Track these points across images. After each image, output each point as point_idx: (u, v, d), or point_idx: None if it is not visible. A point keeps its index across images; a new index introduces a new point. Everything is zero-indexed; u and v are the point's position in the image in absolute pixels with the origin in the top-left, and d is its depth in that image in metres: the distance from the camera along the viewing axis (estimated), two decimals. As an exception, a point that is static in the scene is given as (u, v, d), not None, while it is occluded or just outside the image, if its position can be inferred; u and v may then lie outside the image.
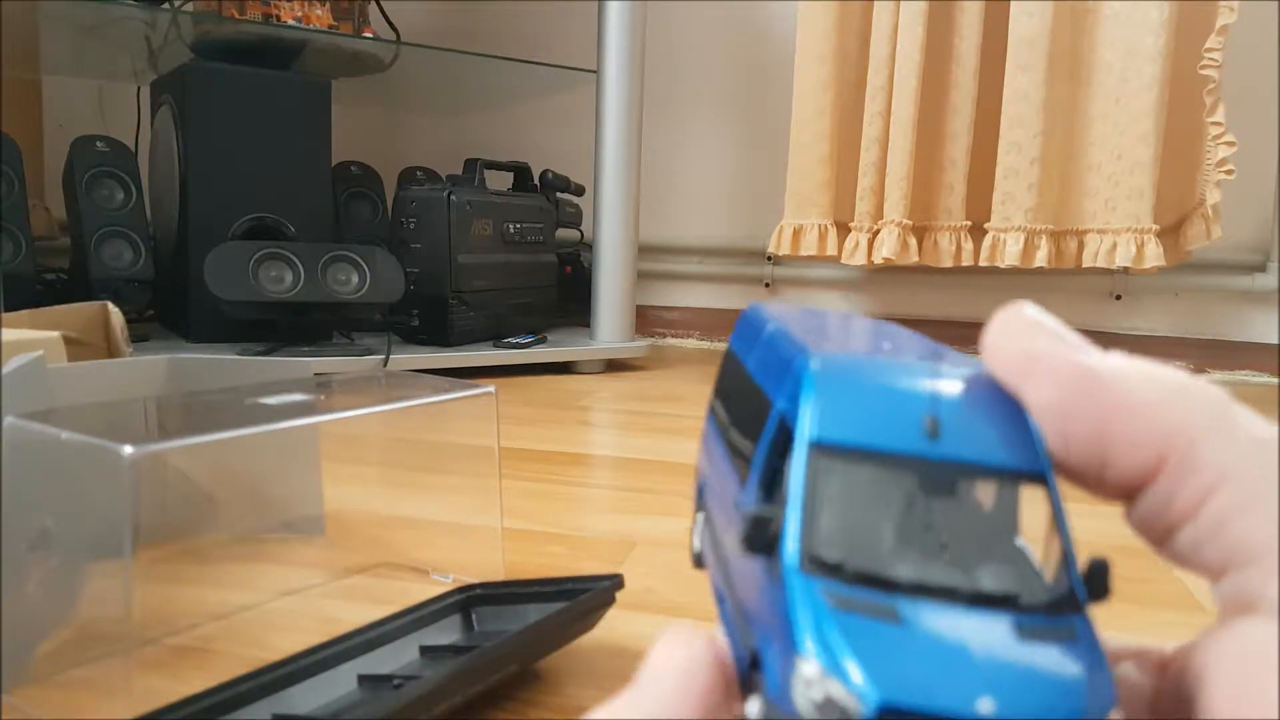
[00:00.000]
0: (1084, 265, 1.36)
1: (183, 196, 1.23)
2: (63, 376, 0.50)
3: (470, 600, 0.46)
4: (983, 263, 1.39)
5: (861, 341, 0.21)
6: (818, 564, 0.15)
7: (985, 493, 0.17)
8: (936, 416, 0.17)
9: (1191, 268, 1.47)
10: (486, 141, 1.75)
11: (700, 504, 0.25)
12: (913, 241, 1.42)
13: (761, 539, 0.16)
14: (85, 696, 0.42)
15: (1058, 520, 0.17)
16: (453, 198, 1.28)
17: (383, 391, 0.51)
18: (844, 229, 1.50)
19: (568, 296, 1.56)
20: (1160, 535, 0.17)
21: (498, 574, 0.53)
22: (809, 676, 0.14)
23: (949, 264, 1.43)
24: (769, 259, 1.72)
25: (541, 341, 1.38)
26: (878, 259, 1.42)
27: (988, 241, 1.38)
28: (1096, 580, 0.16)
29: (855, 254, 1.45)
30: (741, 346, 0.23)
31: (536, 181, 1.50)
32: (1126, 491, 0.17)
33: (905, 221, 1.41)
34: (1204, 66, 1.24)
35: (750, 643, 0.17)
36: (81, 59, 1.50)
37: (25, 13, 1.22)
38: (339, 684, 0.41)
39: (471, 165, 1.38)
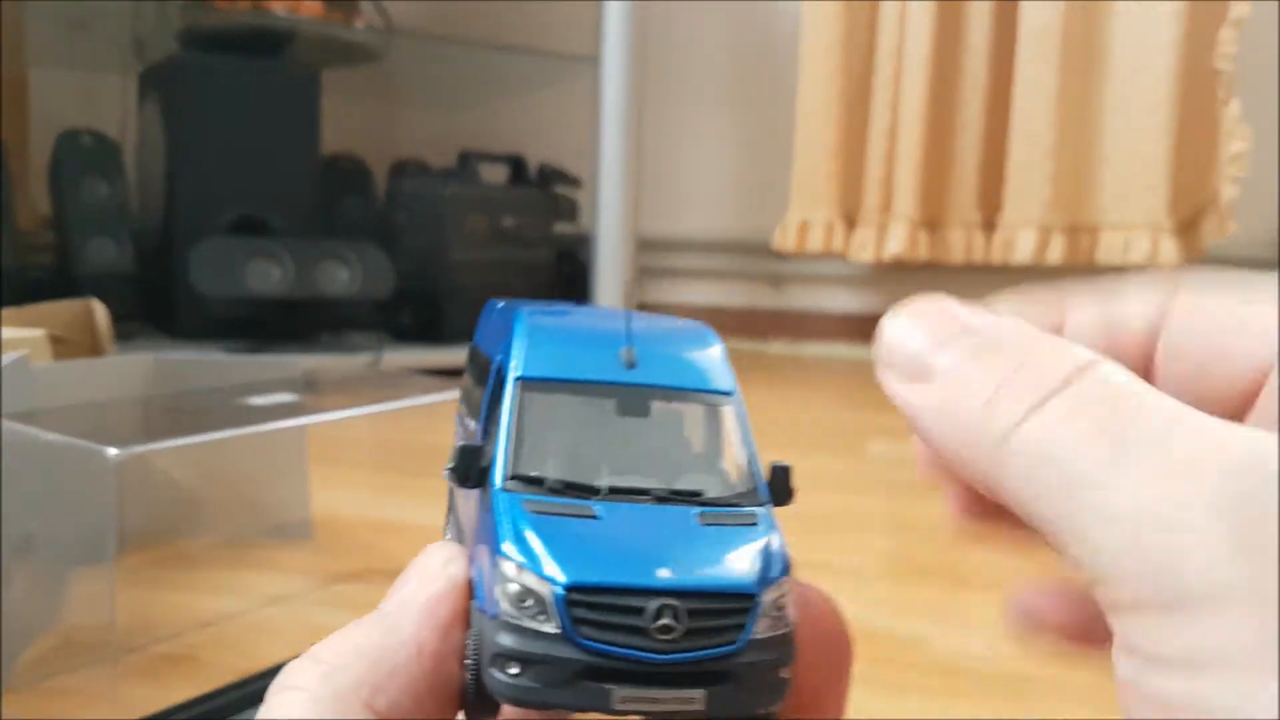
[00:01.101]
0: (1097, 262, 1.35)
1: (169, 191, 1.22)
2: (47, 376, 0.50)
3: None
4: (995, 260, 1.38)
5: (585, 314, 0.23)
6: (521, 480, 0.17)
7: (686, 413, 0.19)
8: (633, 349, 0.19)
9: (1206, 264, 1.46)
10: (481, 133, 1.74)
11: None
12: (922, 237, 1.41)
13: (471, 470, 0.17)
14: (69, 704, 0.42)
15: (743, 432, 0.19)
16: (446, 192, 1.27)
17: (373, 391, 0.50)
18: (851, 224, 1.49)
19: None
20: None
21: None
22: (507, 573, 0.15)
23: (960, 260, 1.42)
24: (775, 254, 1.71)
25: (536, 338, 1.37)
26: (886, 255, 1.42)
27: (1000, 237, 1.37)
28: (779, 484, 0.18)
29: (863, 250, 1.44)
30: (479, 335, 0.25)
31: (533, 174, 1.49)
32: None
33: (915, 216, 1.40)
34: (1217, 59, 1.23)
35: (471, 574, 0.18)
36: (68, 51, 1.48)
37: (11, 5, 1.20)
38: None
39: (465, 158, 1.37)
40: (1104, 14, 1.33)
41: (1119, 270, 1.41)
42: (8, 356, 0.45)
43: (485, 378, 0.21)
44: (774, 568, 0.16)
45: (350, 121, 1.69)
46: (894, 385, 0.16)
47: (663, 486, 0.17)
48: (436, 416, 0.50)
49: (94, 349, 0.63)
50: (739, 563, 0.16)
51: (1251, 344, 0.16)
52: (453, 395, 0.51)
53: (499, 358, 0.19)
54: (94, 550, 0.42)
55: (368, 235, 1.45)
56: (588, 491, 0.17)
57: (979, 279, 1.57)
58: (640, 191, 1.43)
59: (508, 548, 0.16)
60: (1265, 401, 0.15)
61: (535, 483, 0.17)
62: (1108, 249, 1.34)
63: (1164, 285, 0.17)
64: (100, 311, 0.64)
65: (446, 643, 0.16)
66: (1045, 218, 1.34)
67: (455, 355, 1.26)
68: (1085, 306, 0.18)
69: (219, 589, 0.53)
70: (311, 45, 1.34)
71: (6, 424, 0.41)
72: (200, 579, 0.53)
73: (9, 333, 0.52)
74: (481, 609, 0.16)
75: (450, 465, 0.18)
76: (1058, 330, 0.18)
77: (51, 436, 0.40)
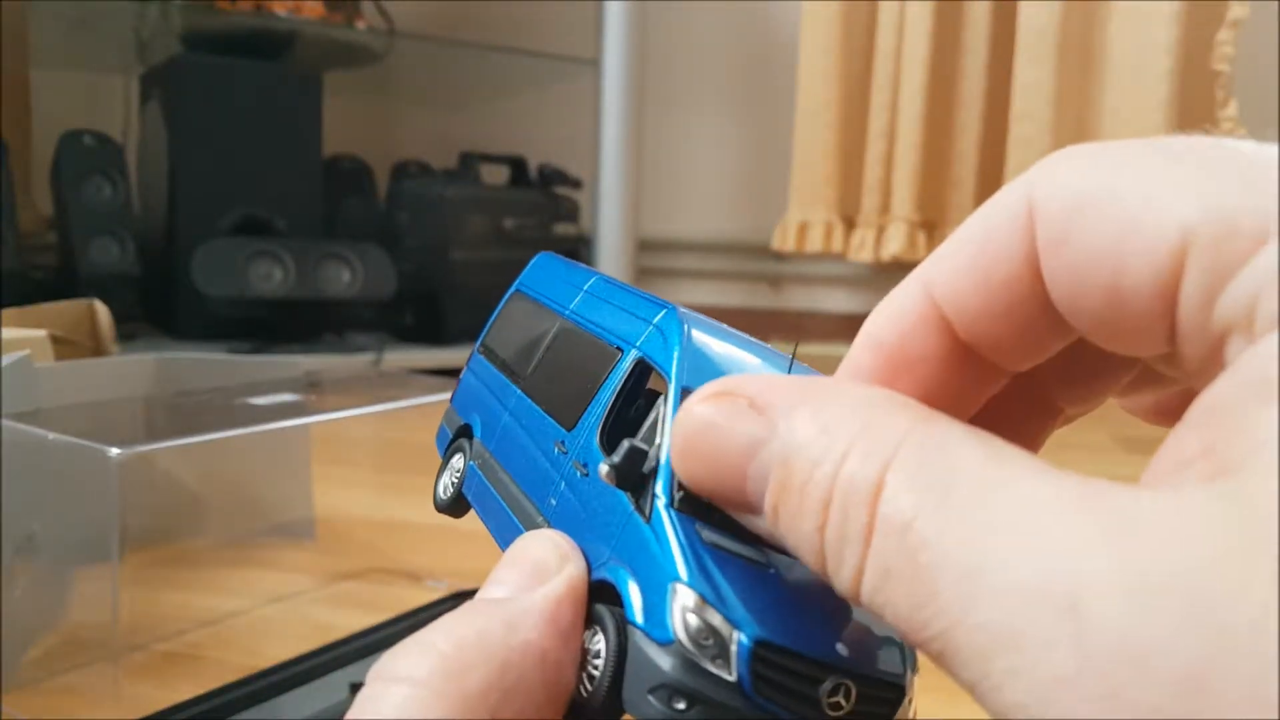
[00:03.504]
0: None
1: (171, 192, 1.22)
2: (49, 376, 0.50)
3: (464, 605, 0.46)
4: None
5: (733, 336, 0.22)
6: (694, 505, 0.16)
7: None
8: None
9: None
10: (482, 134, 1.74)
11: (457, 448, 0.25)
12: (921, 237, 1.41)
13: (634, 472, 0.17)
14: (73, 703, 0.42)
15: None
16: (447, 193, 1.27)
17: (375, 391, 0.50)
18: (850, 224, 1.49)
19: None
20: None
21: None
22: (688, 603, 0.15)
23: (957, 261, 1.42)
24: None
25: (536, 338, 1.38)
26: (885, 256, 1.42)
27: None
28: None
29: (862, 250, 1.44)
30: (546, 292, 0.24)
31: (534, 175, 1.49)
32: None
33: (913, 217, 1.40)
34: (1215, 60, 1.23)
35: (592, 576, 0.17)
36: (70, 52, 1.49)
37: (13, 5, 1.20)
38: (331, 692, 0.40)
39: (467, 159, 1.37)
40: (1102, 15, 1.33)
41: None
42: (10, 357, 0.45)
43: (573, 348, 0.20)
44: (910, 657, 0.16)
45: (352, 122, 1.70)
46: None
47: None
48: (438, 416, 0.50)
49: (96, 349, 0.63)
50: (893, 648, 0.16)
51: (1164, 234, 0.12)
52: (450, 395, 0.51)
53: (644, 348, 0.18)
54: (96, 549, 0.42)
55: (369, 236, 1.45)
56: (746, 535, 0.16)
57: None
58: (640, 192, 1.44)
59: (687, 576, 0.15)
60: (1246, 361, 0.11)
61: (704, 510, 0.16)
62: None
63: (1016, 207, 0.14)
64: (102, 312, 0.64)
65: (567, 650, 0.15)
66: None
67: (456, 355, 1.26)
68: (950, 278, 0.15)
69: (221, 588, 0.53)
70: (313, 47, 1.34)
71: (9, 424, 0.41)
72: (202, 578, 0.54)
73: (11, 333, 0.52)
74: (641, 627, 0.15)
75: (614, 460, 0.17)
76: (939, 320, 0.15)
77: (54, 436, 0.40)
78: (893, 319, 0.16)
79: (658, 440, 0.17)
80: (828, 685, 0.15)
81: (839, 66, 1.44)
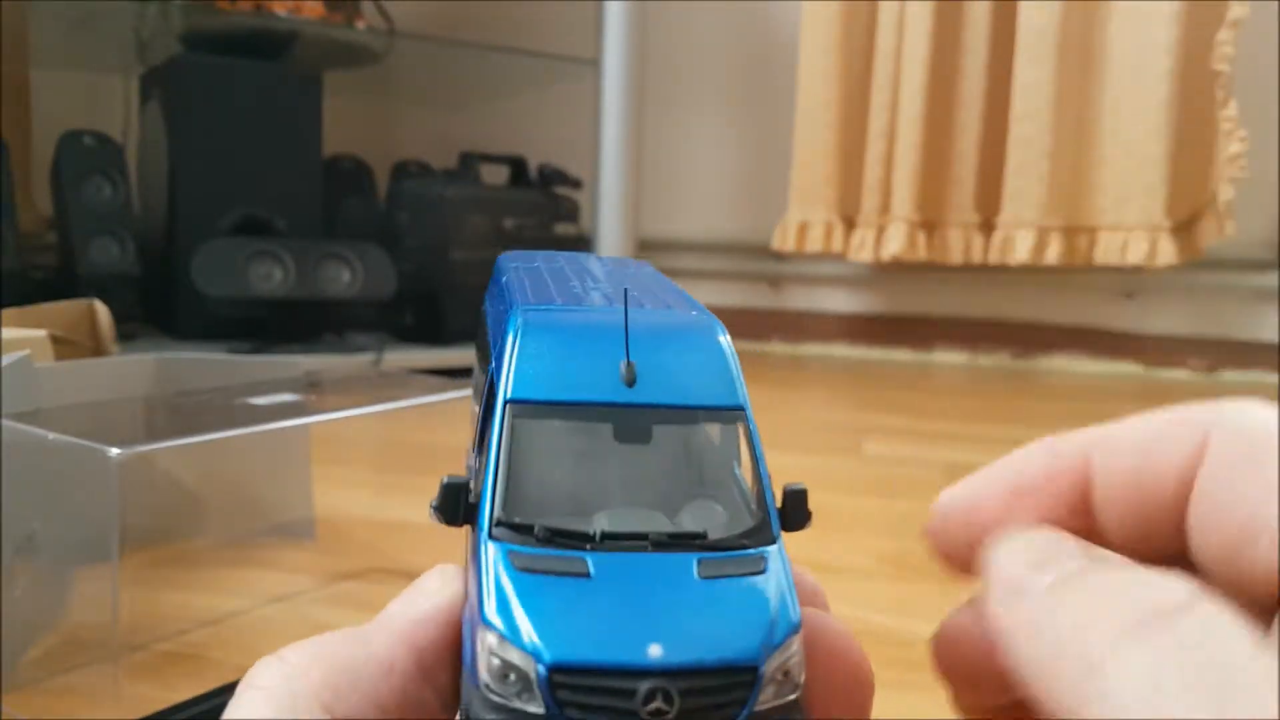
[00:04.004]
0: (1095, 263, 1.35)
1: (171, 192, 1.22)
2: (49, 376, 0.50)
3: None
4: (993, 260, 1.38)
5: (579, 286, 0.20)
6: (509, 528, 0.15)
7: (691, 435, 0.17)
8: (633, 365, 0.17)
9: (1204, 265, 1.45)
10: (482, 134, 1.74)
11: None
12: (921, 237, 1.41)
13: (459, 509, 0.16)
14: (73, 703, 0.42)
15: (754, 453, 0.17)
16: (447, 193, 1.27)
17: (375, 391, 0.50)
18: (850, 224, 1.49)
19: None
20: None
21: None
22: (491, 645, 0.14)
23: (958, 261, 1.42)
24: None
25: (536, 338, 1.37)
26: (885, 256, 1.42)
27: (998, 238, 1.37)
28: (794, 508, 0.17)
29: (862, 250, 1.44)
30: (488, 301, 0.22)
31: (534, 175, 1.49)
32: None
33: (913, 217, 1.40)
34: (1215, 60, 1.23)
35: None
36: (70, 52, 1.48)
37: (13, 6, 1.20)
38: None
39: (466, 159, 1.37)
40: (1102, 15, 1.33)
41: (1117, 270, 1.42)
42: (10, 357, 0.45)
43: (485, 362, 0.19)
44: (779, 630, 0.15)
45: (352, 122, 1.70)
46: (992, 607, 0.15)
47: (662, 529, 0.16)
48: (438, 416, 0.50)
49: (96, 349, 0.63)
50: (740, 628, 0.15)
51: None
52: (453, 395, 0.51)
53: (494, 362, 0.17)
54: (96, 550, 0.42)
55: (369, 236, 1.45)
56: (580, 539, 0.15)
57: (977, 279, 1.57)
58: (640, 192, 1.43)
59: (490, 614, 0.14)
60: None
61: (524, 530, 0.15)
62: (1106, 250, 1.34)
63: (1194, 432, 0.16)
64: (102, 312, 0.64)
65: (421, 667, 0.16)
66: (1043, 218, 1.35)
67: (456, 355, 1.26)
68: (1113, 458, 0.17)
69: (221, 588, 0.53)
70: (313, 47, 1.34)
71: (8, 424, 0.41)
72: (202, 578, 0.53)
73: (11, 333, 0.52)
74: (469, 675, 0.15)
75: (434, 503, 0.16)
76: (1085, 483, 0.17)
77: (53, 436, 0.40)
78: (1047, 466, 0.17)
79: (485, 459, 0.16)
80: (642, 691, 0.14)
81: (839, 66, 1.44)
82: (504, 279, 0.21)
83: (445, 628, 0.16)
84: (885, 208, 1.43)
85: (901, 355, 1.65)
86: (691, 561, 0.15)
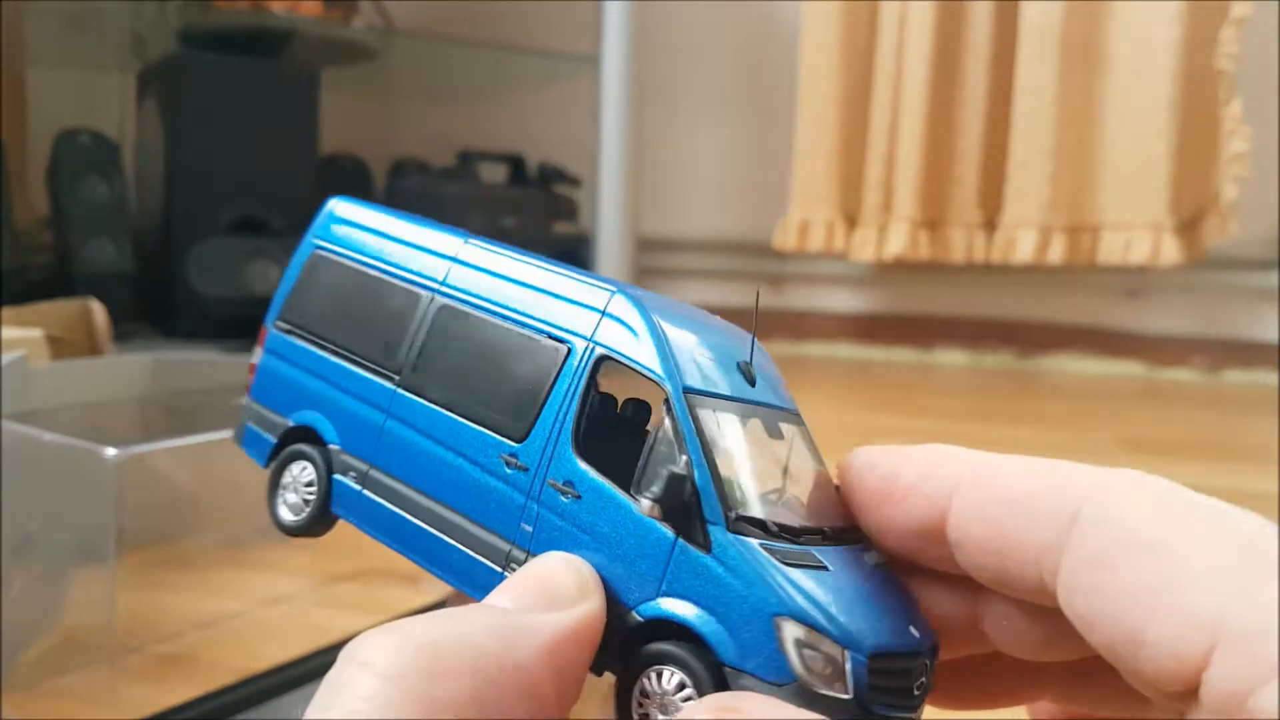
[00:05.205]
0: (1098, 262, 1.35)
1: (168, 191, 1.21)
2: (46, 376, 0.49)
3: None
4: (995, 259, 1.38)
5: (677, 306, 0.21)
6: (746, 522, 0.15)
7: (797, 435, 0.18)
8: (750, 365, 0.18)
9: (1208, 264, 1.44)
10: (480, 132, 1.73)
11: (293, 456, 0.21)
12: (923, 236, 1.41)
13: (679, 503, 0.15)
14: (69, 704, 0.41)
15: (817, 453, 0.18)
16: (446, 191, 1.26)
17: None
18: (852, 223, 1.49)
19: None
20: None
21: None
22: (799, 636, 0.14)
23: (960, 260, 1.42)
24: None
25: (535, 337, 1.37)
26: (887, 255, 1.41)
27: (1001, 237, 1.37)
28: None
29: (864, 249, 1.44)
30: (379, 258, 0.21)
31: (533, 174, 1.49)
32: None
33: (915, 216, 1.40)
34: (1218, 59, 1.23)
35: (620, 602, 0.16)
36: (66, 51, 1.48)
37: (10, 5, 1.20)
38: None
39: (465, 157, 1.36)
40: (1105, 14, 1.33)
41: (1120, 269, 1.42)
42: (7, 357, 0.45)
43: (478, 338, 0.18)
44: (926, 628, 0.16)
45: (350, 121, 1.69)
46: None
47: (826, 524, 0.16)
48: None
49: (93, 349, 0.63)
50: (917, 613, 0.16)
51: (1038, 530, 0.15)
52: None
53: (598, 344, 0.17)
54: (93, 550, 0.41)
55: (367, 235, 1.44)
56: (797, 534, 0.16)
57: (980, 279, 1.57)
58: (640, 191, 1.43)
59: (793, 606, 0.14)
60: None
61: (755, 524, 0.15)
62: (1109, 248, 1.34)
63: (1062, 513, 0.15)
64: (99, 311, 0.64)
65: (559, 690, 0.14)
66: (1046, 217, 1.34)
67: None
68: (975, 509, 0.16)
69: (218, 589, 0.52)
70: (311, 45, 1.34)
71: (6, 424, 0.41)
72: (199, 579, 0.53)
73: (8, 333, 0.52)
74: (747, 669, 0.14)
75: (656, 495, 0.15)
76: (942, 514, 0.17)
77: (51, 437, 0.40)
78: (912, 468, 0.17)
79: (682, 457, 0.16)
80: (916, 671, 0.15)
81: (840, 64, 1.44)
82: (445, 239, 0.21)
83: (586, 649, 0.15)
84: (887, 206, 1.43)
85: (903, 355, 1.65)
86: (859, 553, 0.16)
